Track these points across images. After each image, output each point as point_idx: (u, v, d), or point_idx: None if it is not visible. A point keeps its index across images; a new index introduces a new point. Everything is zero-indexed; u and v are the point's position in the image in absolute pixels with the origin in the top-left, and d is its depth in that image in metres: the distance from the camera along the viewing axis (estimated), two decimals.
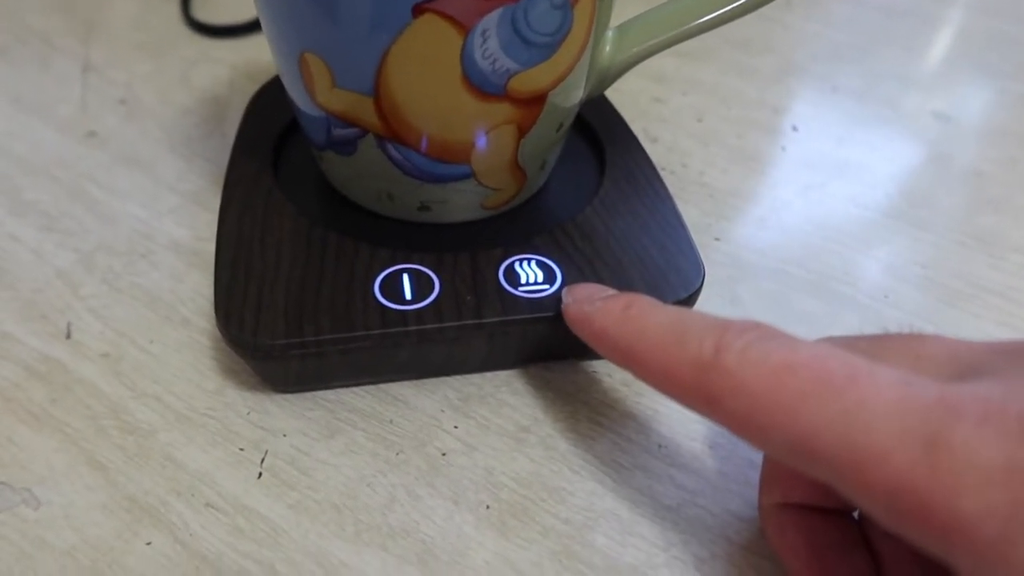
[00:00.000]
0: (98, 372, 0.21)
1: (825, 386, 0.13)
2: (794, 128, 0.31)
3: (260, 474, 0.19)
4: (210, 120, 0.30)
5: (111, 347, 0.22)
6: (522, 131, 0.20)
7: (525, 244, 0.21)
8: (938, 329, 0.23)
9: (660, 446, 0.20)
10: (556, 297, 0.20)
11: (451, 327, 0.19)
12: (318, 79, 0.19)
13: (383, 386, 0.21)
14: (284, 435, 0.20)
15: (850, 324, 0.23)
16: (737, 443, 0.20)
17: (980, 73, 0.36)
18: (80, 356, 0.21)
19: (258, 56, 0.34)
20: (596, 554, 0.18)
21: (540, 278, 0.20)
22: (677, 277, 0.21)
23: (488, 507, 0.19)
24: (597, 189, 0.23)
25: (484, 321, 0.19)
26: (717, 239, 0.26)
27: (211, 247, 0.21)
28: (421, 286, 0.20)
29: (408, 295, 0.19)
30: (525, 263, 0.20)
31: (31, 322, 0.22)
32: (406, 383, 0.21)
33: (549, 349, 0.21)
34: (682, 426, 0.20)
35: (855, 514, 0.17)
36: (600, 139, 0.25)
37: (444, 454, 0.20)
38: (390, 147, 0.20)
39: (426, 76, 0.18)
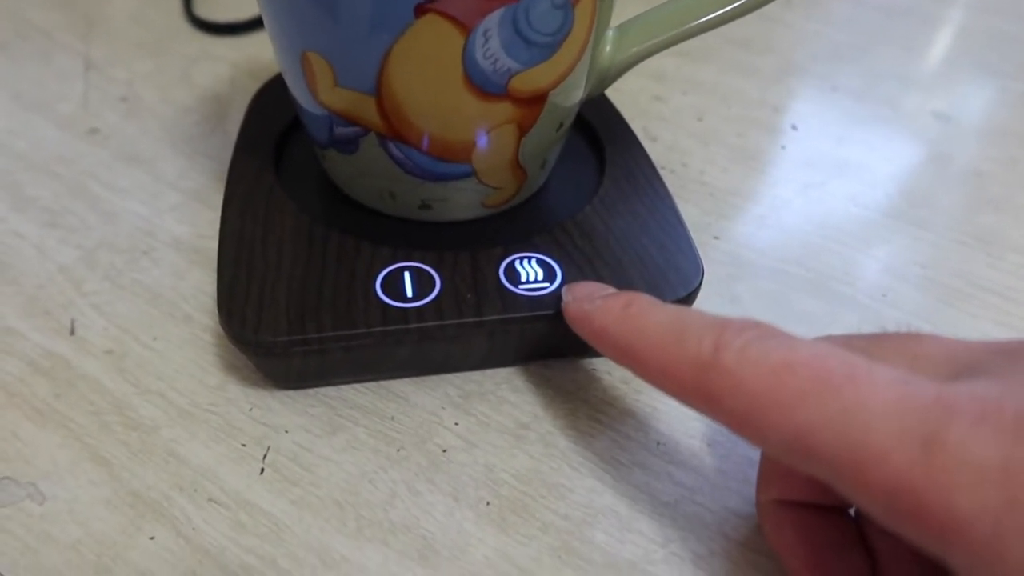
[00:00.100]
0: (101, 368, 0.21)
1: (824, 385, 0.13)
2: (794, 127, 0.32)
3: (262, 470, 0.19)
4: (211, 118, 0.30)
5: (114, 343, 0.22)
6: (523, 130, 0.20)
7: (525, 242, 0.21)
8: (937, 328, 0.23)
9: (659, 443, 0.20)
10: (556, 295, 0.20)
11: (452, 325, 0.19)
12: (320, 78, 0.19)
13: (384, 383, 0.21)
14: (286, 431, 0.20)
15: (849, 323, 0.24)
16: (735, 440, 0.20)
17: (980, 72, 0.36)
18: (84, 352, 0.21)
19: (260, 54, 0.34)
20: (595, 550, 0.18)
21: (540, 276, 0.20)
22: (676, 276, 0.21)
23: (488, 503, 0.19)
24: (597, 188, 0.23)
25: (484, 319, 0.19)
26: (717, 238, 0.26)
27: (212, 244, 0.21)
28: (422, 284, 0.20)
29: (409, 293, 0.20)
30: (525, 261, 0.21)
31: (34, 318, 0.22)
32: (407, 380, 0.21)
33: (549, 347, 0.21)
34: (681, 423, 0.20)
35: (852, 511, 0.17)
36: (600, 138, 0.25)
37: (445, 451, 0.20)
38: (391, 146, 0.20)
39: (428, 76, 0.18)
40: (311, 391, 0.21)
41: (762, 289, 0.24)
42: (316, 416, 0.20)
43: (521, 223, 0.23)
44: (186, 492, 0.19)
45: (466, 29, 0.17)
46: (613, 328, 0.17)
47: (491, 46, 0.17)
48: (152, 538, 0.18)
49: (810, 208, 0.28)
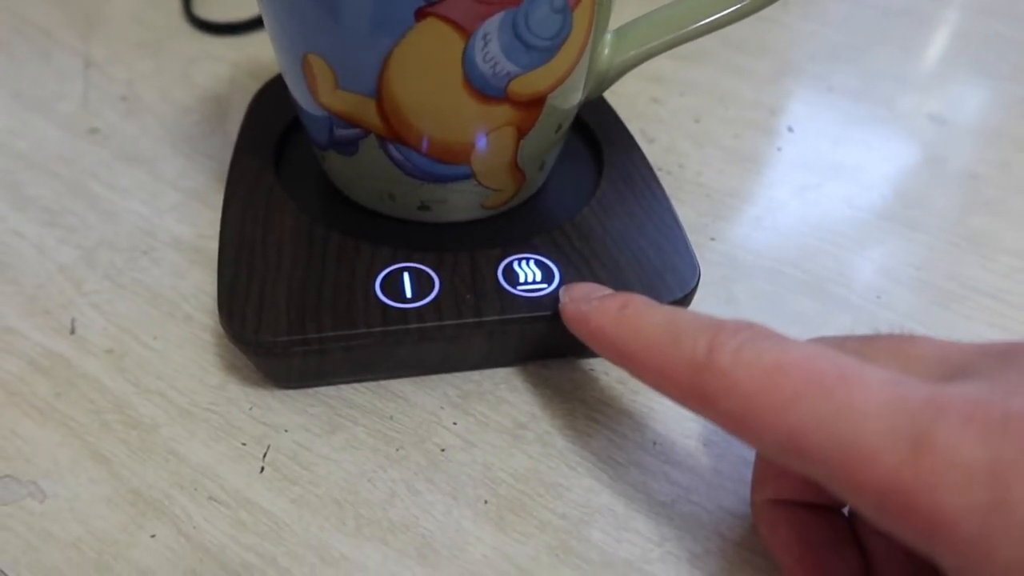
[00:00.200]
0: (102, 367, 0.21)
1: (816, 386, 0.13)
2: (790, 129, 0.32)
3: (262, 469, 0.19)
4: (211, 118, 0.30)
5: (114, 343, 0.22)
6: (521, 133, 0.20)
7: (524, 244, 0.21)
8: (930, 330, 0.24)
9: (655, 443, 0.20)
10: (554, 296, 0.20)
11: (450, 325, 0.19)
12: (321, 80, 0.19)
13: (384, 383, 0.21)
14: (286, 430, 0.20)
15: (843, 324, 0.24)
16: (731, 440, 0.20)
17: (976, 74, 0.36)
18: (84, 351, 0.22)
19: (260, 54, 0.34)
20: (592, 549, 0.18)
21: (538, 277, 0.20)
22: (673, 277, 0.21)
23: (486, 502, 0.19)
24: (595, 190, 0.23)
25: (483, 319, 0.19)
26: (713, 239, 0.26)
27: (212, 244, 0.21)
28: (421, 285, 0.20)
29: (408, 293, 0.20)
30: (524, 262, 0.21)
31: (35, 317, 0.22)
32: (406, 380, 0.21)
33: (547, 347, 0.21)
34: (677, 423, 0.21)
35: (846, 511, 0.18)
36: (598, 140, 0.25)
37: (443, 450, 0.20)
38: (391, 147, 0.20)
39: (427, 78, 0.18)
40: (311, 390, 0.21)
41: (758, 290, 0.25)
42: (316, 415, 0.20)
43: (520, 224, 0.23)
44: (186, 490, 0.19)
45: (466, 33, 0.17)
46: (609, 329, 0.17)
47: (490, 50, 0.18)
48: (153, 536, 0.18)
49: (806, 210, 0.28)
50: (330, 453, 0.20)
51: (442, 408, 0.21)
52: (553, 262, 0.21)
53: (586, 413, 0.21)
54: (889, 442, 0.12)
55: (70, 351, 0.22)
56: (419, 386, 0.21)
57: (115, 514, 0.18)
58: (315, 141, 0.22)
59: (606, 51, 0.21)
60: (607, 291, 0.19)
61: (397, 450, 0.20)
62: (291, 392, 0.21)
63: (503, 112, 0.19)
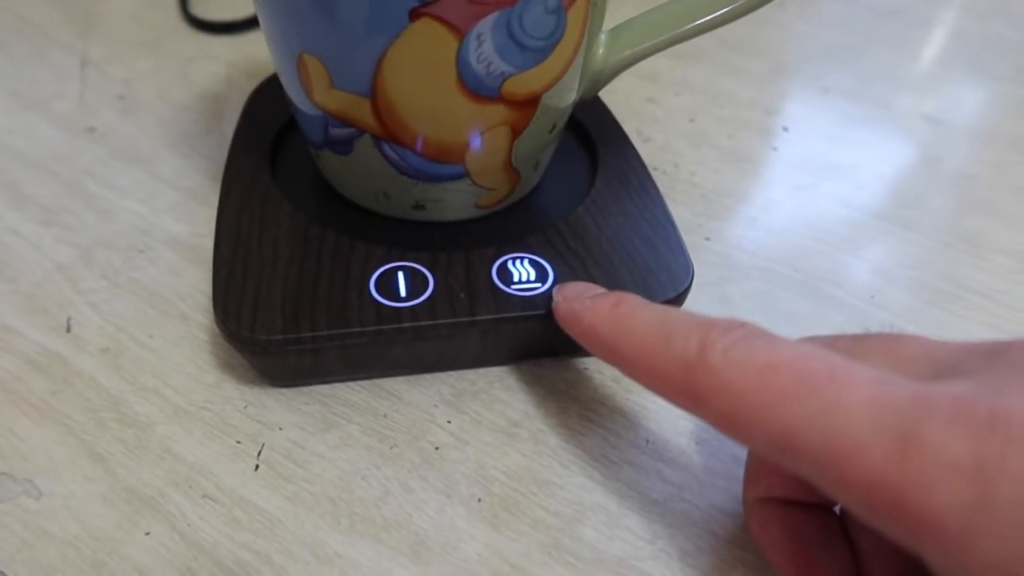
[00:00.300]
0: (98, 366, 0.21)
1: (806, 385, 0.13)
2: (785, 129, 0.32)
3: (257, 467, 0.19)
4: (208, 117, 0.30)
5: (111, 341, 0.22)
6: (516, 132, 0.20)
7: (518, 243, 0.21)
8: (923, 329, 0.24)
9: (648, 441, 0.20)
10: (548, 295, 0.20)
11: (445, 324, 0.19)
12: (316, 80, 0.19)
13: (378, 381, 0.21)
14: (280, 428, 0.20)
15: (837, 324, 0.24)
16: (723, 439, 0.20)
17: (972, 75, 0.36)
18: (80, 350, 0.22)
19: (256, 53, 0.34)
20: (584, 546, 0.18)
21: (532, 276, 0.21)
22: (666, 276, 0.21)
23: (480, 500, 0.19)
24: (589, 189, 0.23)
25: (477, 318, 0.20)
26: (708, 239, 0.26)
27: (209, 243, 0.21)
28: (416, 284, 0.20)
29: (403, 292, 0.20)
30: (518, 261, 0.21)
31: (32, 315, 0.22)
32: (401, 378, 0.21)
33: (541, 346, 0.21)
34: (670, 422, 0.21)
35: (837, 509, 0.18)
36: (593, 139, 0.25)
37: (437, 448, 0.20)
38: (386, 147, 0.20)
39: (422, 78, 0.18)
40: (305, 389, 0.21)
41: (752, 290, 0.25)
42: (310, 414, 0.21)
43: (514, 223, 0.23)
44: (181, 488, 0.19)
45: (460, 33, 0.17)
46: (601, 328, 0.17)
47: (484, 50, 0.18)
48: (148, 534, 0.18)
49: (801, 210, 0.28)
50: (324, 451, 0.20)
51: (436, 406, 0.21)
52: (547, 261, 0.21)
53: (580, 412, 0.21)
54: (876, 439, 0.12)
55: (67, 350, 0.22)
56: (413, 385, 0.21)
57: (110, 512, 0.18)
58: (310, 140, 0.22)
59: (600, 51, 0.22)
60: (600, 290, 0.19)
61: (391, 448, 0.20)
62: (286, 390, 0.21)
63: (497, 112, 0.19)
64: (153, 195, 0.27)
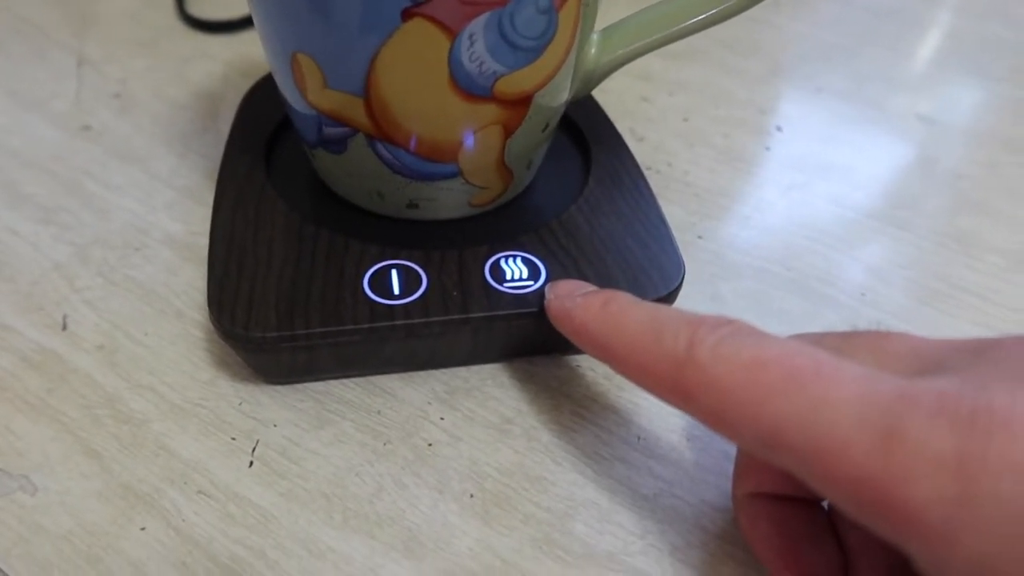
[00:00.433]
0: (94, 363, 0.21)
1: (793, 381, 0.13)
2: (779, 128, 0.32)
3: (251, 463, 0.19)
4: (204, 116, 0.30)
5: (106, 339, 0.22)
6: (508, 131, 0.20)
7: (511, 241, 0.21)
8: (914, 328, 0.24)
9: (639, 438, 0.21)
10: (540, 293, 0.20)
11: (437, 322, 0.20)
12: (310, 79, 0.19)
13: (372, 378, 0.21)
14: (275, 425, 0.20)
15: (828, 322, 0.24)
16: (714, 436, 0.21)
17: (966, 75, 0.36)
18: (76, 347, 0.22)
19: (252, 52, 0.34)
20: (575, 541, 0.18)
21: (525, 274, 0.21)
22: (658, 274, 0.21)
23: (472, 496, 0.19)
24: (582, 188, 0.24)
25: (470, 316, 0.20)
26: (701, 237, 0.27)
27: (204, 241, 0.22)
28: (409, 282, 0.20)
29: (396, 290, 0.20)
30: (511, 260, 0.21)
31: (28, 313, 0.23)
32: (394, 376, 0.22)
33: (533, 344, 0.22)
34: (661, 419, 0.21)
35: (825, 505, 0.18)
36: (586, 139, 0.25)
37: (430, 445, 0.20)
38: (380, 146, 0.20)
39: (415, 78, 0.18)
40: (300, 386, 0.21)
41: (744, 288, 0.25)
42: (304, 411, 0.21)
43: (507, 222, 0.23)
44: (176, 484, 0.19)
45: (452, 33, 0.17)
46: (592, 325, 0.17)
47: (476, 49, 0.18)
48: (143, 529, 0.18)
49: (793, 209, 0.28)
50: (318, 448, 0.20)
51: (429, 403, 0.21)
52: (540, 259, 0.21)
53: (572, 408, 0.21)
54: (861, 435, 0.12)
55: (62, 347, 0.22)
56: (407, 382, 0.21)
57: (105, 507, 0.18)
58: (304, 140, 0.22)
59: (593, 51, 0.22)
60: (591, 288, 0.19)
61: (384, 445, 0.20)
62: (280, 388, 0.21)
63: (490, 111, 0.19)
64: (149, 194, 0.27)
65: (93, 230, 0.25)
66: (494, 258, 0.21)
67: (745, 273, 0.25)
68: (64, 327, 0.22)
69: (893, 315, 0.24)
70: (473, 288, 0.20)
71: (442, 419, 0.21)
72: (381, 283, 0.20)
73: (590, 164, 0.25)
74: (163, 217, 0.26)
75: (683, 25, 0.21)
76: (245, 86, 0.27)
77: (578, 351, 0.21)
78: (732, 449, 0.20)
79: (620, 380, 0.22)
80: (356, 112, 0.19)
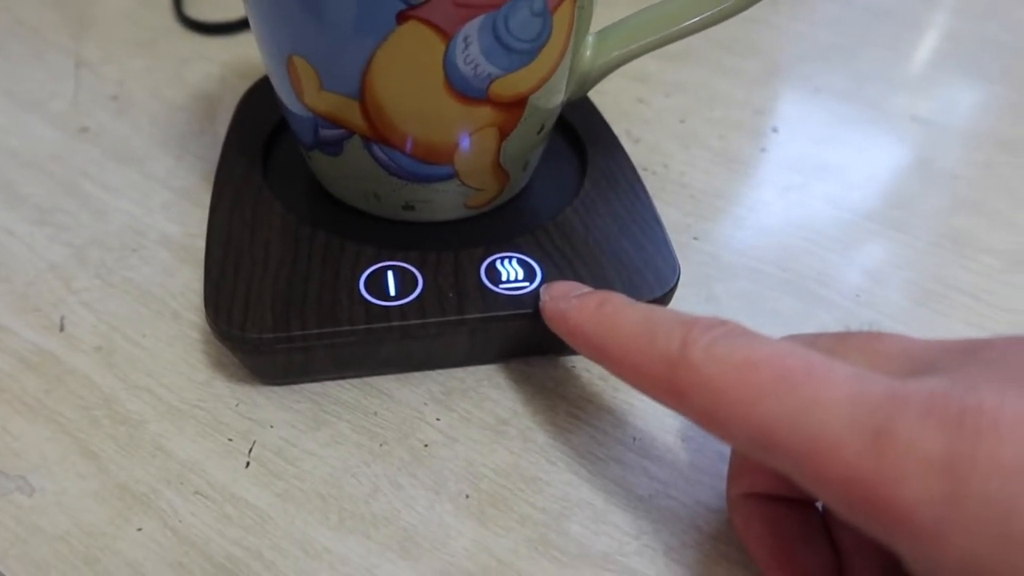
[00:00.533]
0: (91, 364, 0.21)
1: (784, 382, 0.14)
2: (775, 130, 0.32)
3: (248, 464, 0.20)
4: (202, 117, 0.31)
5: (103, 340, 0.22)
6: (504, 133, 0.20)
7: (507, 243, 0.22)
8: (908, 328, 0.24)
9: (634, 439, 0.21)
10: (536, 294, 0.20)
11: (433, 323, 0.20)
12: (305, 82, 0.19)
13: (368, 379, 0.22)
14: (271, 426, 0.20)
15: (822, 323, 0.24)
16: (708, 437, 0.21)
17: (963, 76, 0.37)
18: (73, 348, 0.22)
19: (250, 54, 0.34)
20: (571, 542, 0.18)
21: (521, 276, 0.21)
22: (653, 276, 0.21)
23: (468, 496, 0.19)
24: (578, 189, 0.24)
25: (465, 317, 0.20)
26: (696, 238, 0.27)
27: (201, 243, 0.22)
28: (405, 283, 0.20)
29: (392, 292, 0.20)
30: (506, 261, 0.21)
31: (25, 314, 0.23)
32: (391, 377, 0.22)
33: (529, 345, 0.22)
34: (656, 420, 0.21)
35: (819, 506, 0.18)
36: (582, 140, 0.25)
37: (426, 445, 0.20)
38: (375, 148, 0.20)
39: (410, 80, 0.18)
40: (296, 387, 0.21)
41: (739, 289, 0.25)
42: (301, 411, 0.21)
43: (503, 224, 0.23)
44: (173, 485, 0.19)
45: (447, 35, 0.17)
46: (587, 326, 0.17)
47: (471, 52, 0.18)
48: (140, 530, 0.18)
49: (789, 210, 0.28)
50: (315, 448, 0.20)
51: (425, 404, 0.21)
52: (535, 261, 0.21)
53: (567, 409, 0.21)
54: (851, 434, 0.12)
55: (60, 348, 0.22)
56: (403, 383, 0.22)
57: (102, 508, 0.19)
58: (301, 141, 0.22)
59: (588, 53, 0.22)
60: (586, 289, 0.19)
61: (381, 445, 0.20)
62: (277, 388, 0.21)
63: (485, 113, 0.19)
64: (146, 195, 0.27)
65: (90, 231, 0.25)
66: (490, 259, 0.21)
67: (740, 274, 0.26)
68: (61, 328, 0.22)
69: (888, 316, 0.25)
70: (469, 289, 0.20)
71: (438, 420, 0.21)
72: (377, 284, 0.20)
73: (586, 166, 0.25)
74: (160, 218, 0.26)
75: (679, 27, 0.21)
76: (242, 88, 0.28)
77: (574, 352, 0.21)
78: (727, 450, 0.20)
79: (615, 381, 0.22)
80: (352, 114, 0.19)
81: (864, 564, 0.17)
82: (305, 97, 0.20)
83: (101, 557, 0.18)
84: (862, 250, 0.27)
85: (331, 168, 0.22)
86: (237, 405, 0.21)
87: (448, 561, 0.18)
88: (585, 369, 0.22)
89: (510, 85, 0.19)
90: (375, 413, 0.21)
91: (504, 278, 0.21)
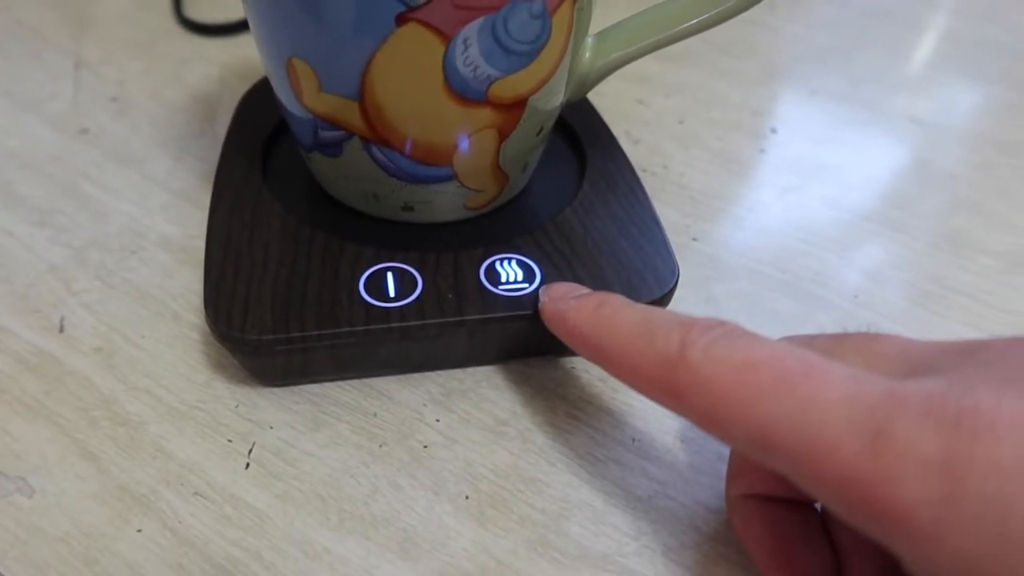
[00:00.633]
0: (91, 365, 0.22)
1: (782, 382, 0.14)
2: (773, 131, 0.32)
3: (247, 465, 0.20)
4: (201, 118, 0.31)
5: (103, 341, 0.22)
6: (503, 135, 0.20)
7: (506, 244, 0.22)
8: (907, 329, 0.24)
9: (634, 440, 0.21)
10: (535, 296, 0.20)
11: (433, 324, 0.20)
12: (305, 83, 0.19)
13: (368, 381, 0.22)
14: (271, 427, 0.20)
15: (820, 324, 0.24)
16: (707, 438, 0.21)
17: (960, 77, 0.37)
18: (73, 350, 0.22)
19: (249, 55, 0.34)
20: (570, 543, 0.18)
21: (520, 277, 0.21)
22: (652, 277, 0.21)
23: (467, 497, 0.19)
24: (577, 191, 0.24)
25: (465, 318, 0.20)
26: (695, 239, 0.27)
27: (201, 244, 0.22)
28: (404, 284, 0.20)
29: (392, 293, 0.20)
30: (506, 262, 0.21)
31: (25, 315, 0.23)
32: (390, 378, 0.22)
33: (528, 346, 0.22)
34: (655, 421, 0.21)
35: (818, 506, 0.18)
36: (581, 141, 0.25)
37: (426, 446, 0.20)
38: (375, 149, 0.20)
39: (409, 82, 0.18)
40: (296, 388, 0.21)
41: (738, 290, 0.25)
42: (300, 413, 0.21)
43: (502, 225, 0.23)
44: (173, 486, 0.19)
45: (446, 37, 0.17)
46: (586, 327, 0.18)
47: (471, 54, 0.18)
48: (139, 531, 0.18)
49: (788, 211, 0.28)
50: (314, 450, 0.20)
51: (425, 405, 0.21)
52: (535, 262, 0.21)
53: (567, 410, 0.21)
54: (849, 435, 0.12)
55: (60, 349, 0.22)
56: (403, 384, 0.22)
57: (102, 509, 0.19)
58: (300, 143, 0.22)
59: (587, 55, 0.22)
60: (585, 290, 0.19)
61: (380, 446, 0.20)
62: (276, 390, 0.21)
63: (484, 115, 0.19)
64: (146, 196, 0.27)
65: (90, 232, 0.25)
66: (489, 260, 0.21)
67: (739, 275, 0.26)
68: (61, 329, 0.22)
69: (886, 316, 0.25)
70: (468, 290, 0.20)
71: (438, 421, 0.21)
72: (377, 286, 0.20)
73: (585, 167, 0.25)
74: (159, 220, 0.26)
75: (678, 29, 0.21)
76: (241, 89, 0.28)
77: (573, 353, 0.21)
78: (725, 451, 0.20)
79: (614, 382, 0.22)
80: (351, 116, 0.19)
81: (863, 565, 0.17)
82: (305, 98, 0.20)
83: (101, 558, 0.18)
84: (860, 251, 0.27)
85: (331, 169, 0.22)
86: (237, 406, 0.21)
87: (447, 562, 0.18)
88: (584, 370, 0.22)
89: (509, 87, 0.19)
90: (374, 414, 0.21)
91: (503, 279, 0.21)
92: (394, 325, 0.20)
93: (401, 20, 0.17)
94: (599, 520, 0.19)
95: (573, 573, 0.18)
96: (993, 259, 0.27)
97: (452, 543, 0.18)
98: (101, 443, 0.20)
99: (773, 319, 0.24)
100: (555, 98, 0.21)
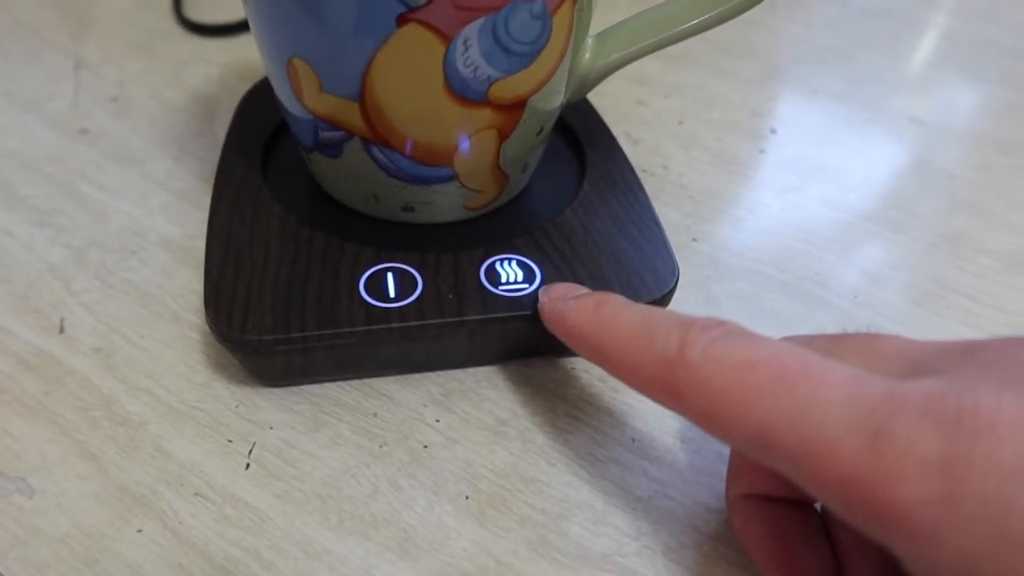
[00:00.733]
0: (90, 365, 0.22)
1: (781, 382, 0.14)
2: (773, 131, 0.32)
3: (248, 465, 0.20)
4: (201, 119, 0.31)
5: (103, 341, 0.22)
6: (503, 135, 0.20)
7: (506, 244, 0.22)
8: (905, 329, 0.24)
9: (634, 440, 0.21)
10: (535, 296, 0.20)
11: (433, 324, 0.20)
12: (305, 84, 0.19)
13: (368, 381, 0.22)
14: (271, 427, 0.20)
15: (820, 324, 0.24)
16: (707, 438, 0.21)
17: (960, 78, 0.37)
18: (73, 350, 0.22)
19: (249, 56, 0.34)
20: (570, 543, 0.18)
21: (520, 277, 0.21)
22: (652, 277, 0.21)
23: (467, 497, 0.19)
24: (577, 191, 0.24)
25: (465, 319, 0.20)
26: (695, 240, 0.27)
27: (200, 244, 0.22)
28: (404, 285, 0.20)
29: (392, 293, 0.20)
30: (506, 263, 0.21)
31: (25, 316, 0.23)
32: (390, 378, 0.22)
33: (528, 346, 0.22)
34: (655, 421, 0.21)
35: (818, 506, 0.18)
36: (581, 142, 0.25)
37: (426, 447, 0.20)
38: (375, 150, 0.20)
39: (410, 83, 0.18)
40: (296, 388, 0.21)
41: (737, 290, 0.25)
42: (301, 413, 0.21)
43: (502, 225, 0.23)
44: (173, 486, 0.19)
45: (446, 38, 0.17)
46: (585, 327, 0.18)
47: (471, 54, 0.18)
48: (139, 531, 0.18)
49: (787, 211, 0.28)
50: (315, 450, 0.20)
51: (425, 406, 0.21)
52: (535, 262, 0.21)
53: (567, 411, 0.21)
54: (849, 435, 0.12)
55: (59, 350, 0.22)
56: (403, 384, 0.22)
57: (102, 509, 0.19)
58: (301, 143, 0.22)
59: (587, 55, 0.22)
60: (585, 291, 0.19)
61: (380, 447, 0.20)
62: (276, 390, 0.21)
63: (484, 115, 0.19)
64: (146, 196, 0.27)
65: (89, 233, 0.25)
66: (489, 261, 0.21)
67: (739, 275, 0.26)
68: (61, 330, 0.22)
69: (885, 317, 0.25)
70: (468, 291, 0.20)
71: (438, 421, 0.21)
72: (377, 286, 0.20)
73: (585, 167, 0.25)
74: (159, 220, 0.26)
75: (678, 29, 0.21)
76: (241, 89, 0.28)
77: (573, 353, 0.21)
78: (725, 451, 0.20)
79: (614, 382, 0.22)
80: (352, 116, 0.19)
81: (863, 565, 0.17)
82: (305, 99, 0.20)
83: (101, 558, 0.18)
84: (860, 251, 0.27)
85: (331, 170, 0.22)
86: (237, 406, 0.21)
87: (447, 562, 0.18)
88: (584, 370, 0.22)
89: (510, 87, 0.19)
90: (375, 414, 0.21)
91: (503, 280, 0.21)
92: (394, 325, 0.20)
93: (401, 20, 0.17)
94: (599, 520, 0.19)
95: (573, 573, 0.18)
96: (992, 259, 0.27)
97: (452, 543, 0.18)
98: (101, 443, 0.20)
99: (773, 319, 0.24)
100: (555, 99, 0.21)
